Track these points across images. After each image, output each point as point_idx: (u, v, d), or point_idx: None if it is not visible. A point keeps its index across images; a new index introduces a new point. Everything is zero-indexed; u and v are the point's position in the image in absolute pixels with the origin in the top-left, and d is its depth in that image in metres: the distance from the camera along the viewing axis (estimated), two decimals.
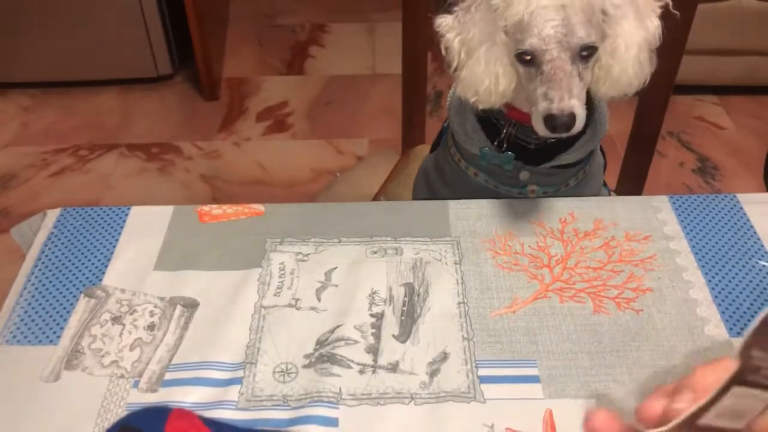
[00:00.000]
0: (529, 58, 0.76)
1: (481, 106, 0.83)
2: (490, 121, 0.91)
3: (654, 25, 0.80)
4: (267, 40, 2.71)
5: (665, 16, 1.04)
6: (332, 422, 0.67)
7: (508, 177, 0.94)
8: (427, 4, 1.18)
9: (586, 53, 0.76)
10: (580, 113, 0.75)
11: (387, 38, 2.68)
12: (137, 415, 0.66)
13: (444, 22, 0.82)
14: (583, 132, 0.90)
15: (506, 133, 0.89)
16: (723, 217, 0.88)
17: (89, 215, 0.89)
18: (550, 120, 0.75)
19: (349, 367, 0.72)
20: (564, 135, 0.77)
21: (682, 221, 0.87)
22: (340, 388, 0.70)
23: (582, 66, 0.76)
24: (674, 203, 0.90)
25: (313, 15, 2.82)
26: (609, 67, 0.79)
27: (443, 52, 0.83)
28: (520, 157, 0.91)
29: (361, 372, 0.71)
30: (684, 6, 1.04)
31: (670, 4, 0.80)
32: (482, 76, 0.80)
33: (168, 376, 0.71)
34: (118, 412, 0.68)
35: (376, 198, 1.29)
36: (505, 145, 0.90)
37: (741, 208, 0.89)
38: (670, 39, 1.07)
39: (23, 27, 2.25)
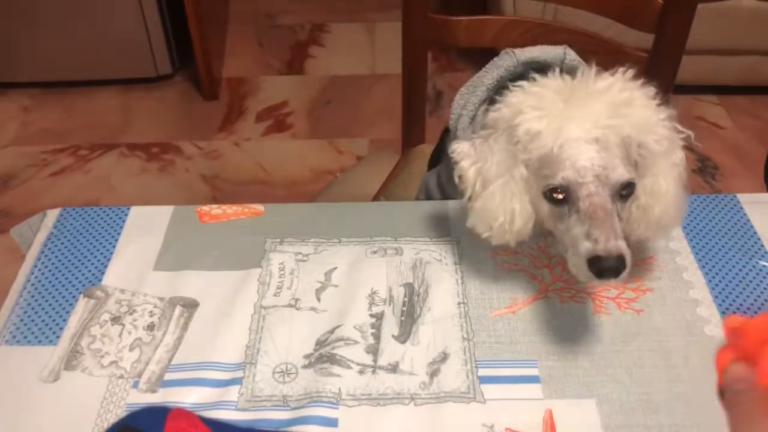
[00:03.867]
0: (561, 196, 0.68)
1: (494, 242, 0.75)
2: None
3: (680, 157, 0.72)
4: (267, 40, 2.70)
5: (664, 20, 1.04)
6: (332, 422, 0.67)
7: None
8: (427, 4, 1.18)
9: (626, 192, 0.68)
10: (629, 257, 0.65)
11: (387, 38, 2.67)
12: (136, 415, 0.66)
13: (459, 148, 0.75)
14: None
15: None
16: (723, 217, 0.88)
17: (89, 215, 0.89)
18: (595, 263, 0.64)
19: (349, 367, 0.72)
20: (612, 280, 0.67)
21: (682, 221, 0.87)
22: (339, 389, 0.70)
23: (620, 206, 0.68)
24: None
25: (313, 15, 2.82)
26: (649, 207, 0.72)
27: (456, 179, 0.76)
28: None
29: (361, 372, 0.71)
30: (684, 6, 1.04)
31: (692, 135, 0.73)
32: (497, 212, 0.72)
33: (168, 376, 0.71)
34: (117, 413, 0.68)
35: (376, 198, 1.29)
36: None
37: (741, 208, 0.89)
38: (670, 38, 1.08)
39: (23, 27, 2.25)
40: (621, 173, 0.66)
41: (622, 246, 0.64)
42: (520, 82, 0.73)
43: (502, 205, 0.72)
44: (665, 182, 0.71)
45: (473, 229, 0.75)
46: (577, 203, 0.67)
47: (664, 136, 0.69)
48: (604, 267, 0.63)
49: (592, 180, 0.66)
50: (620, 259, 0.64)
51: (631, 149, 0.68)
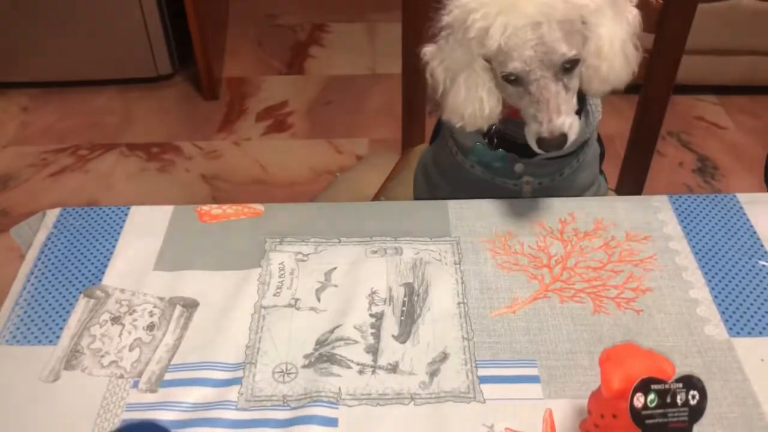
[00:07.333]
0: (514, 78, 0.78)
1: (468, 129, 0.84)
2: None
3: (632, 14, 0.80)
4: (267, 40, 2.70)
5: (664, 20, 1.04)
6: (332, 422, 0.67)
7: (504, 169, 0.94)
8: (427, 4, 1.18)
9: (570, 65, 0.77)
10: (571, 130, 0.77)
11: (387, 38, 2.67)
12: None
13: (428, 50, 0.84)
14: None
15: (495, 129, 0.89)
16: (723, 217, 0.88)
17: (89, 215, 0.89)
18: (541, 143, 0.77)
19: (349, 367, 0.72)
20: (557, 152, 0.78)
21: (682, 221, 0.87)
22: (339, 389, 0.70)
23: (567, 78, 0.77)
24: (674, 203, 0.90)
25: (313, 15, 2.82)
26: (597, 67, 0.80)
27: (428, 79, 0.85)
28: (514, 149, 0.91)
29: (361, 372, 0.71)
30: (684, 6, 1.04)
31: None
32: (465, 102, 0.81)
33: (168, 376, 0.71)
34: (117, 413, 0.68)
35: (376, 198, 1.29)
36: (495, 141, 0.90)
37: (741, 208, 0.89)
38: (670, 38, 1.08)
39: (23, 27, 2.25)
40: (562, 53, 0.75)
41: (564, 123, 0.76)
42: None
43: (469, 96, 0.81)
44: (608, 42, 0.78)
45: (448, 122, 0.85)
46: (528, 87, 0.77)
47: (601, 4, 0.76)
48: (548, 146, 0.77)
49: (538, 65, 0.75)
50: (562, 137, 0.76)
51: (572, 24, 0.75)
